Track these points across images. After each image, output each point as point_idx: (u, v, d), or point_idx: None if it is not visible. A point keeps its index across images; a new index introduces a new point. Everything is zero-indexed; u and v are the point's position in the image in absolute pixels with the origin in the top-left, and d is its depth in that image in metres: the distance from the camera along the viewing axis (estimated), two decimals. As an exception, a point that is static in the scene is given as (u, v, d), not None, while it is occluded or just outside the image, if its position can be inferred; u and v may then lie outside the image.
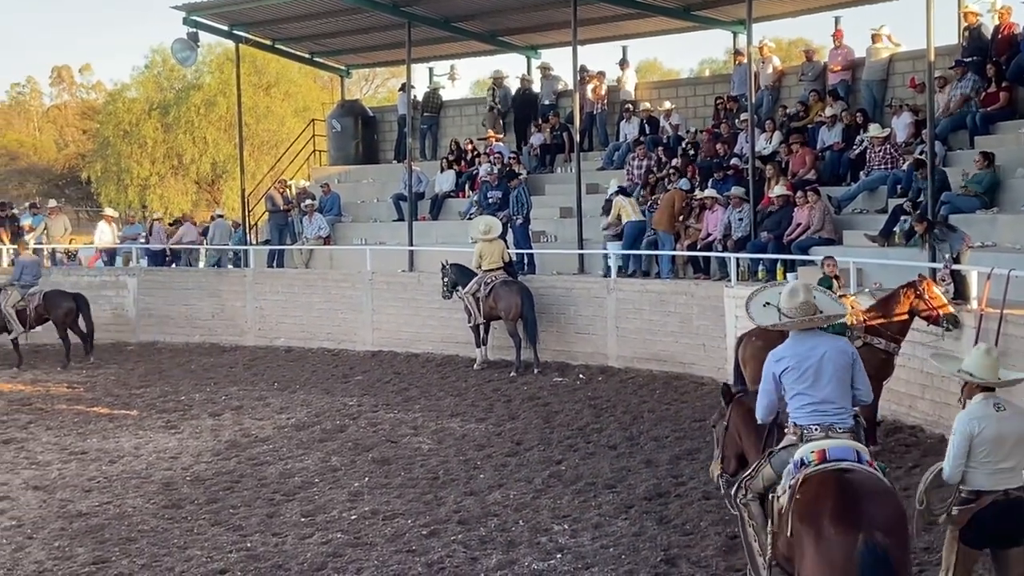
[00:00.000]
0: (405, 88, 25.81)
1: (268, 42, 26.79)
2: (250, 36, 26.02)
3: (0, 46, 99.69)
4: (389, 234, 24.11)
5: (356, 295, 22.08)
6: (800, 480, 6.63)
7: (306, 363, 20.73)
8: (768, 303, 7.45)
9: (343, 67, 29.80)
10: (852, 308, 12.38)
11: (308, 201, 24.59)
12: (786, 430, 7.23)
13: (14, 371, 20.45)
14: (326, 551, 10.11)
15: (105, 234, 26.21)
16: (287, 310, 22.84)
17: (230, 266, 25.35)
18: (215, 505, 11.74)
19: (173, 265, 25.57)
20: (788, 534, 6.58)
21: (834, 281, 13.63)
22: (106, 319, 23.92)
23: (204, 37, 25.34)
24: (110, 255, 26.13)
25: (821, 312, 7.24)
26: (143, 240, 26.07)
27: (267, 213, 25.69)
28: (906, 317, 12.28)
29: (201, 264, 26.13)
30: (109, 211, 28.20)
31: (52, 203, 28.50)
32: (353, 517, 11.16)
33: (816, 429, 6.94)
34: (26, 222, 26.54)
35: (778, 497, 6.82)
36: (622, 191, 20.31)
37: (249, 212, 26.53)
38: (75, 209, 50.69)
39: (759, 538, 7.10)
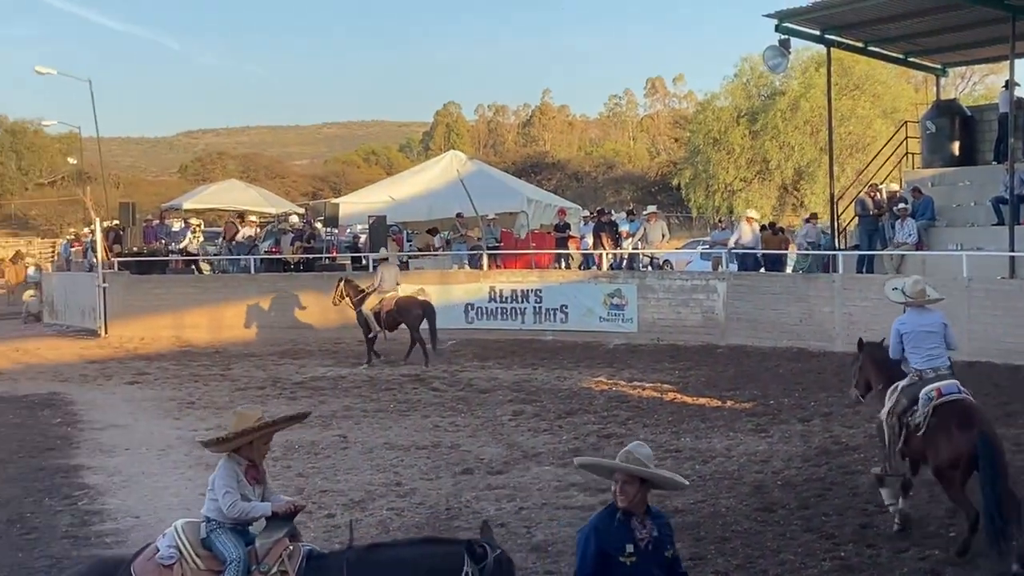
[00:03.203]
0: (1008, 85, 24.39)
1: (860, 44, 26.47)
2: (842, 39, 25.84)
3: (600, 61, 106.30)
4: (988, 239, 22.87)
5: (951, 303, 20.94)
6: (931, 410, 10.10)
7: (896, 372, 20.11)
8: (896, 288, 10.97)
9: (939, 66, 28.77)
10: None
11: (900, 205, 23.97)
12: (909, 372, 10.58)
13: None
14: (923, 567, 9.76)
15: (746, 235, 26.24)
16: (877, 317, 22.25)
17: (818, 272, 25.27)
18: (807, 511, 11.72)
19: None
20: (926, 440, 10.11)
21: None
22: (696, 322, 24.80)
23: (793, 43, 25.46)
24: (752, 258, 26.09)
25: (930, 297, 10.80)
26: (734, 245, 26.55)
27: (856, 217, 25.29)
28: None
29: (789, 269, 26.28)
30: (752, 212, 28.69)
31: (651, 208, 29.71)
32: (952, 534, 10.70)
33: (929, 372, 10.38)
34: (623, 228, 28.06)
35: (915, 417, 10.24)
36: None
37: (838, 216, 26.28)
38: (667, 215, 53.01)
39: (891, 441, 10.52)
